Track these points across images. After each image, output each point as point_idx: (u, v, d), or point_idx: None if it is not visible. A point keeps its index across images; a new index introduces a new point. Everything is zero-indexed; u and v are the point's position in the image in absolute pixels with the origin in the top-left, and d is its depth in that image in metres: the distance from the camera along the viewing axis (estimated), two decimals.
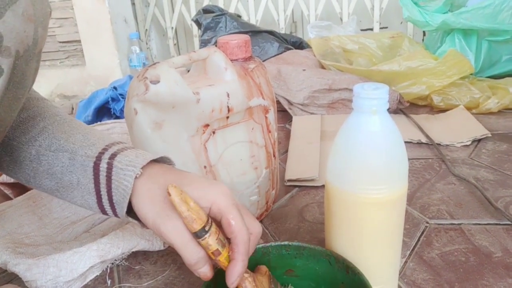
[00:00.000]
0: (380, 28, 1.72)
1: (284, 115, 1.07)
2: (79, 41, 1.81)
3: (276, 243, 0.43)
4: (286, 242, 0.43)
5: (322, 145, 0.84)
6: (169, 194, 0.33)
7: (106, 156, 0.39)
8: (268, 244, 0.43)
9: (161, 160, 0.41)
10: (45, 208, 0.64)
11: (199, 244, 0.34)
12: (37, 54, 0.35)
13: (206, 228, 0.34)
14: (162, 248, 0.56)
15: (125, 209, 0.38)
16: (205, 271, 0.35)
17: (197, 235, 0.34)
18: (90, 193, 0.39)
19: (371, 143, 0.36)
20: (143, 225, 0.38)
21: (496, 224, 0.57)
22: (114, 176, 0.38)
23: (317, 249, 0.42)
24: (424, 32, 1.67)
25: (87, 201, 0.40)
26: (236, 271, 0.34)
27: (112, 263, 0.54)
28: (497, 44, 1.12)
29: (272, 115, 0.57)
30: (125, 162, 0.38)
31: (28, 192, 0.68)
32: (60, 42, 1.84)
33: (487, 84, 1.03)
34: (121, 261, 0.54)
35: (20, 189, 0.71)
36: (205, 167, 0.50)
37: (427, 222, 0.59)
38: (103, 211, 0.40)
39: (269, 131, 0.57)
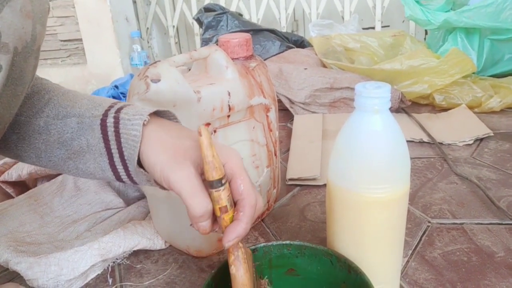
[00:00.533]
0: (382, 26, 1.71)
1: (286, 114, 1.07)
2: (80, 39, 1.81)
3: (278, 242, 0.43)
4: (287, 241, 0.43)
5: (324, 144, 0.84)
6: (200, 134, 0.32)
7: (112, 111, 0.38)
8: (269, 243, 0.43)
9: (167, 115, 0.40)
10: (47, 206, 0.64)
11: (209, 196, 0.33)
12: (35, 50, 0.35)
13: (223, 181, 0.33)
14: (163, 247, 0.56)
15: (135, 160, 0.36)
16: (205, 226, 0.34)
17: (213, 185, 0.33)
18: (101, 154, 0.38)
19: (373, 142, 0.36)
20: (153, 182, 0.37)
21: (499, 223, 0.57)
22: (121, 128, 0.37)
23: (319, 248, 0.42)
24: (426, 30, 1.66)
25: (99, 164, 0.39)
26: (236, 231, 0.33)
27: (114, 262, 0.54)
28: (499, 43, 1.12)
29: (273, 114, 0.57)
30: (132, 112, 0.37)
31: (30, 191, 0.68)
32: (61, 40, 1.84)
33: (490, 83, 1.02)
34: (122, 260, 0.54)
35: (21, 187, 0.71)
36: None
37: (429, 222, 0.58)
38: (117, 175, 0.39)
39: (270, 130, 0.57)
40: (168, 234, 0.55)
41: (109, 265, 0.53)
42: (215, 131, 0.50)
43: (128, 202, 0.66)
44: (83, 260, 0.50)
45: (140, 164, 0.37)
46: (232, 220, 0.34)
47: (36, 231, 0.60)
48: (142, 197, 0.67)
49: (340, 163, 0.38)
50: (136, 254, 0.55)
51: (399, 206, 0.39)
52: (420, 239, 0.55)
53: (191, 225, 0.35)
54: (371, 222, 0.38)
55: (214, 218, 0.35)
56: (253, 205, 0.34)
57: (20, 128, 0.40)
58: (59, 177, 0.68)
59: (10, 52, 0.31)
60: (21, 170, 0.69)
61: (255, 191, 0.36)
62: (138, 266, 0.54)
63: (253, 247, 0.42)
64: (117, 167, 0.38)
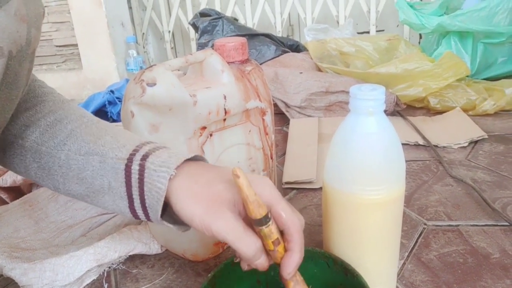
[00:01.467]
0: (377, 31, 1.73)
1: (282, 118, 1.07)
2: (76, 45, 1.82)
3: None
4: None
5: (320, 147, 0.84)
6: (238, 177, 0.32)
7: (137, 158, 0.38)
8: None
9: (195, 159, 0.39)
10: (42, 212, 0.64)
11: (259, 233, 0.34)
12: (30, 54, 0.35)
13: (269, 215, 0.33)
14: (159, 251, 0.56)
15: (159, 213, 0.36)
16: (262, 262, 0.34)
17: (261, 222, 0.33)
18: (122, 197, 0.38)
19: (368, 144, 0.36)
20: (179, 228, 0.37)
21: (494, 225, 0.57)
22: (146, 178, 0.37)
23: (315, 251, 0.42)
24: (420, 34, 1.68)
25: (118, 205, 0.39)
26: (293, 261, 0.34)
27: (109, 267, 0.53)
28: (492, 46, 1.13)
29: (269, 117, 0.57)
30: (158, 163, 0.37)
31: (25, 196, 0.67)
32: (56, 46, 1.84)
33: (483, 86, 1.03)
34: (118, 264, 0.54)
35: (16, 193, 0.71)
36: None
37: (425, 224, 0.59)
38: (135, 216, 0.39)
39: (266, 133, 0.57)
40: (164, 238, 0.55)
41: (104, 270, 0.53)
42: (211, 135, 0.50)
43: None
44: (78, 265, 0.49)
45: (164, 210, 0.37)
46: (284, 249, 0.35)
47: (30, 236, 0.60)
48: None
49: (336, 165, 0.38)
50: (132, 259, 0.55)
51: (395, 208, 0.39)
52: (416, 241, 0.55)
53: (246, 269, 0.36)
54: (367, 224, 0.38)
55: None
56: (300, 230, 0.35)
57: (41, 158, 0.40)
58: None
59: (5, 56, 0.31)
60: (16, 175, 0.68)
61: (296, 212, 0.36)
62: (134, 271, 0.53)
63: None
64: (137, 211, 0.38)
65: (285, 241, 0.35)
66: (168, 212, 0.38)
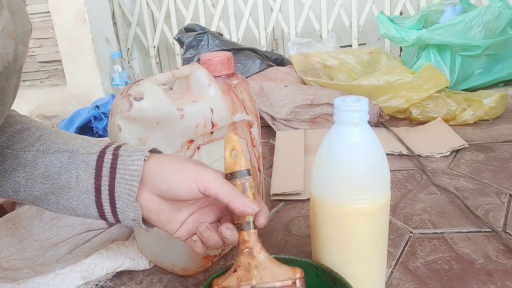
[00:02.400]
0: (359, 44, 1.77)
1: (268, 131, 1.08)
2: (59, 61, 1.80)
3: None
4: (272, 255, 0.43)
5: (306, 159, 0.85)
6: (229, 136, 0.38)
7: (110, 149, 0.39)
8: None
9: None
10: (26, 230, 0.63)
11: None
12: (17, 70, 0.35)
13: (245, 173, 0.38)
14: (148, 267, 0.55)
15: (135, 193, 0.37)
16: (252, 203, 0.37)
17: (246, 173, 0.38)
18: (88, 191, 0.38)
19: (353, 154, 0.37)
20: (137, 220, 0.38)
21: (477, 231, 0.58)
22: (119, 164, 0.37)
23: (304, 261, 0.43)
24: (400, 47, 1.73)
25: (83, 201, 0.38)
26: (266, 208, 0.38)
27: (96, 284, 0.52)
28: (469, 59, 1.17)
29: (256, 130, 0.57)
30: (131, 150, 0.38)
31: (8, 215, 0.66)
32: (40, 62, 1.82)
33: (463, 97, 1.07)
34: (105, 281, 0.53)
35: None
36: None
37: (411, 232, 0.60)
38: (101, 211, 0.38)
39: (254, 146, 0.58)
40: (153, 253, 0.54)
41: (91, 287, 0.52)
42: (198, 148, 0.51)
43: (110, 223, 0.65)
44: (64, 283, 0.48)
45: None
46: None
47: (14, 256, 0.58)
48: None
49: (322, 176, 0.39)
50: (119, 275, 0.54)
51: (380, 217, 0.40)
52: (403, 250, 0.56)
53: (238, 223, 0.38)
54: (354, 233, 0.39)
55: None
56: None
57: (4, 161, 0.40)
58: None
59: None
60: None
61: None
62: (122, 287, 0.52)
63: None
64: (104, 204, 0.38)
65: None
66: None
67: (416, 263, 0.53)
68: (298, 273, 0.36)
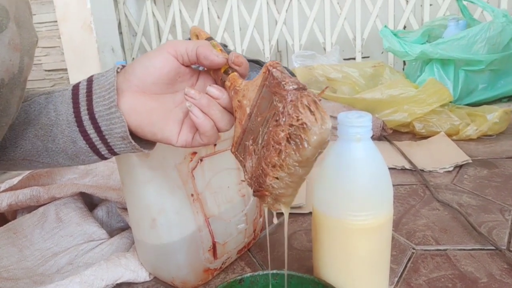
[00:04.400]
0: (362, 57, 1.78)
1: None
2: (65, 69, 1.82)
3: (264, 272, 0.43)
4: (274, 271, 0.43)
5: None
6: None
7: (85, 79, 0.39)
8: (256, 273, 0.43)
9: None
10: (26, 239, 0.62)
11: None
12: (22, 82, 0.35)
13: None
14: (147, 279, 0.55)
15: (115, 100, 0.36)
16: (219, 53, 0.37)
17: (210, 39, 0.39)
18: (69, 122, 0.37)
19: (356, 170, 0.37)
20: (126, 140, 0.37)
21: (481, 249, 0.58)
22: (94, 85, 0.37)
23: (305, 277, 0.42)
24: (404, 61, 1.73)
25: (69, 135, 0.38)
26: (236, 53, 0.38)
27: None
28: (473, 74, 1.17)
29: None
30: (103, 72, 0.38)
31: (9, 223, 0.66)
32: (46, 70, 1.84)
33: (466, 112, 1.07)
34: None
35: (0, 220, 0.69)
36: (192, 195, 0.50)
37: (414, 248, 0.59)
38: (89, 141, 0.38)
39: None
40: (153, 265, 0.54)
41: None
42: (201, 160, 0.51)
43: (111, 233, 0.65)
44: None
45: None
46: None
47: (14, 265, 0.58)
48: (126, 227, 0.66)
49: (324, 191, 0.39)
50: (119, 287, 0.54)
51: (383, 233, 0.39)
52: (406, 266, 0.55)
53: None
54: (357, 248, 0.39)
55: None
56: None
57: None
58: (40, 209, 0.67)
59: None
60: (0, 202, 0.67)
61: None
62: None
63: (239, 277, 0.42)
64: (89, 132, 0.37)
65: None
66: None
67: (418, 281, 0.52)
68: (267, 65, 0.34)
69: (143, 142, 0.40)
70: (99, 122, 0.37)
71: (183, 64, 0.38)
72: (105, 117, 0.37)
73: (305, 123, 0.29)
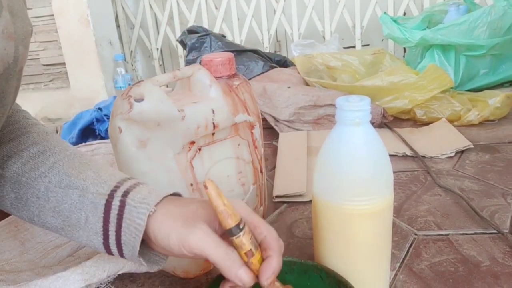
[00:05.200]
0: (362, 45, 1.76)
1: (271, 132, 1.08)
2: (63, 63, 1.81)
3: None
4: None
5: (309, 160, 0.85)
6: (206, 188, 0.33)
7: (118, 194, 0.38)
8: None
9: (174, 194, 0.40)
10: (28, 232, 0.63)
11: (231, 244, 0.34)
12: (17, 72, 0.35)
13: (241, 226, 0.33)
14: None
15: (137, 249, 0.36)
16: (244, 275, 0.33)
17: (232, 232, 0.33)
18: (97, 233, 0.38)
19: (355, 155, 0.36)
20: (151, 266, 0.38)
21: (483, 233, 0.58)
22: (126, 214, 0.37)
23: (308, 264, 0.42)
24: (404, 48, 1.72)
25: (92, 241, 0.39)
26: (272, 267, 0.34)
27: (98, 287, 0.52)
28: (474, 59, 1.16)
29: (257, 131, 0.57)
30: (138, 199, 0.37)
31: (10, 217, 0.66)
32: (44, 65, 1.83)
33: (467, 97, 1.06)
34: (106, 284, 0.53)
35: (1, 214, 0.69)
36: (191, 184, 0.50)
37: (415, 234, 0.59)
38: (109, 252, 0.39)
39: (256, 147, 0.57)
40: None
41: None
42: (200, 149, 0.50)
43: None
44: (65, 286, 0.48)
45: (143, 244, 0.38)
46: (261, 261, 0.35)
47: (16, 258, 0.58)
48: None
49: (324, 177, 0.38)
50: (121, 277, 0.54)
51: (384, 218, 0.39)
52: (407, 252, 0.55)
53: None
54: (357, 234, 0.39)
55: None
56: (277, 238, 0.35)
57: (19, 189, 0.40)
58: None
59: None
60: None
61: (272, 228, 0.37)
62: None
63: None
64: (111, 248, 0.38)
65: (263, 250, 0.35)
66: (142, 249, 0.38)
67: (420, 266, 0.52)
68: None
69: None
70: (123, 248, 0.38)
71: None
72: (129, 249, 0.37)
73: None
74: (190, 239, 0.33)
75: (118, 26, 1.95)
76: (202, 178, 0.51)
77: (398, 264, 0.53)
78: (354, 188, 0.37)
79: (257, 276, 0.35)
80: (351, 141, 0.36)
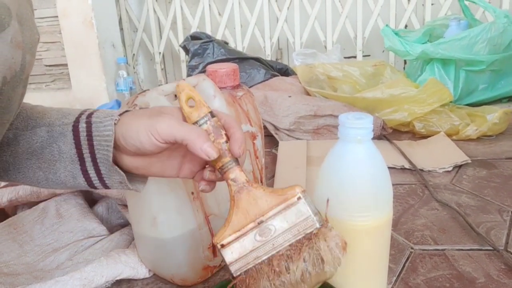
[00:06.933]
0: (363, 56, 1.77)
1: (271, 140, 1.08)
2: (65, 64, 1.81)
3: None
4: None
5: (308, 170, 0.85)
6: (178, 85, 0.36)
7: (83, 118, 0.39)
8: None
9: None
10: (26, 235, 0.63)
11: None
12: (24, 79, 0.35)
13: (206, 118, 0.36)
14: (147, 275, 0.55)
15: (110, 158, 0.38)
16: (208, 147, 0.35)
17: (200, 122, 0.36)
18: (73, 160, 0.39)
19: (357, 171, 0.37)
20: (132, 183, 0.39)
21: (479, 249, 0.58)
22: (94, 131, 0.38)
23: None
24: (405, 61, 1.73)
25: (71, 171, 0.39)
26: (237, 138, 0.36)
27: None
28: (473, 74, 1.17)
29: (259, 142, 0.58)
30: (102, 115, 0.39)
31: (9, 219, 0.66)
32: (46, 65, 1.84)
33: (466, 112, 1.07)
34: None
35: (0, 215, 0.70)
36: (192, 193, 0.50)
37: (412, 248, 0.59)
38: (88, 180, 0.40)
39: (257, 157, 0.58)
40: (153, 262, 0.54)
41: None
42: None
43: (111, 229, 0.65)
44: None
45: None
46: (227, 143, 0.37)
47: (14, 261, 0.58)
48: (126, 224, 0.66)
49: (325, 192, 0.39)
50: (118, 283, 0.54)
51: (382, 234, 0.40)
52: (404, 266, 0.55)
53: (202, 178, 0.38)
54: (356, 249, 0.39)
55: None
56: (235, 119, 0.38)
57: None
58: (41, 205, 0.67)
59: None
60: (0, 197, 0.67)
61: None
62: None
63: None
64: (89, 172, 0.39)
65: (227, 132, 0.37)
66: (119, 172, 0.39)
67: (416, 280, 0.53)
68: (297, 188, 0.34)
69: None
70: (100, 167, 0.39)
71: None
72: (105, 165, 0.39)
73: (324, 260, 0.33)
74: (157, 126, 0.35)
75: (121, 29, 1.96)
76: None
77: (394, 278, 0.53)
78: (354, 204, 0.37)
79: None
80: (352, 158, 0.37)
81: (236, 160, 0.37)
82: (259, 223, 0.34)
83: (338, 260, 0.33)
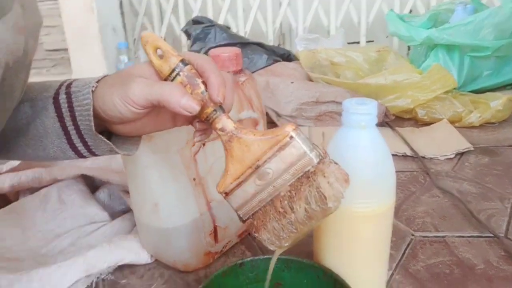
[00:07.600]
0: (367, 41, 1.75)
1: (272, 127, 1.08)
2: (66, 49, 1.80)
3: (265, 256, 0.43)
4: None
5: None
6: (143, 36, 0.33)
7: (63, 89, 0.38)
8: (256, 258, 0.43)
9: None
10: (29, 220, 0.63)
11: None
12: (27, 65, 0.35)
13: (176, 69, 0.33)
14: (149, 261, 0.55)
15: (93, 128, 0.36)
16: (186, 102, 0.32)
17: (175, 70, 0.33)
18: (58, 135, 0.38)
19: (360, 158, 0.37)
20: (120, 147, 0.38)
21: (479, 236, 0.58)
22: (74, 102, 0.37)
23: (305, 262, 0.43)
24: (409, 46, 1.71)
25: (59, 146, 0.39)
26: (214, 83, 0.33)
27: (98, 277, 0.53)
28: (478, 60, 1.16)
29: (261, 128, 0.57)
30: (81, 84, 0.38)
31: (11, 204, 0.66)
32: (47, 50, 1.82)
33: (469, 99, 1.06)
34: (107, 275, 0.53)
35: (2, 201, 0.70)
36: (194, 179, 0.50)
37: (413, 235, 0.60)
38: (77, 152, 0.39)
39: None
40: (154, 248, 0.55)
41: (93, 280, 0.52)
42: (204, 144, 0.51)
43: (113, 215, 0.65)
44: (67, 275, 0.49)
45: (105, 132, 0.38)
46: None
47: (17, 246, 0.59)
48: (128, 210, 0.67)
49: None
50: (121, 269, 0.55)
51: (385, 220, 0.40)
52: (404, 252, 0.56)
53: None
54: (358, 236, 0.39)
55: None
56: (209, 60, 0.35)
57: None
58: (43, 190, 0.67)
59: (1, 67, 0.31)
60: (2, 183, 0.67)
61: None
62: (123, 281, 0.53)
63: (240, 261, 0.42)
64: (77, 145, 0.38)
65: (202, 76, 0.34)
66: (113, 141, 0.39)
67: (416, 266, 0.53)
68: (288, 127, 0.32)
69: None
70: (86, 139, 0.38)
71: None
72: (90, 136, 0.38)
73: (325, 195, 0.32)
74: (130, 94, 0.33)
75: (122, 13, 1.94)
76: (205, 173, 0.51)
77: (395, 265, 0.53)
78: (357, 190, 0.37)
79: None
80: (356, 144, 0.37)
81: (220, 107, 0.34)
82: (256, 168, 0.33)
83: (340, 194, 0.31)
